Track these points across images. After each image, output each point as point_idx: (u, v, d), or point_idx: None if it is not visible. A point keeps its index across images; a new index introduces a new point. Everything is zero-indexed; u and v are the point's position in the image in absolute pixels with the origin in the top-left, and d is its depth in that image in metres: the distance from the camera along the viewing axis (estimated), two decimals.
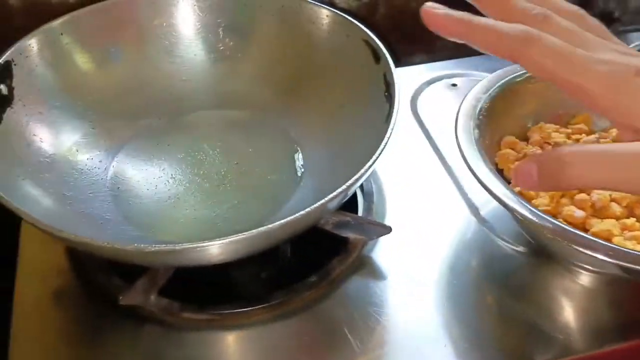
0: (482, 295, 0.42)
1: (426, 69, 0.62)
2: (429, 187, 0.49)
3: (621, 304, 0.41)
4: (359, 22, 0.47)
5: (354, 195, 0.48)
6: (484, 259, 0.44)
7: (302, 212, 0.34)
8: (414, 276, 0.43)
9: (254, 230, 0.33)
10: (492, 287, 0.42)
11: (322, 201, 0.34)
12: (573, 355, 0.39)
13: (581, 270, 0.42)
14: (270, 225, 0.33)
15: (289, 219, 0.33)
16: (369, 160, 0.36)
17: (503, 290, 0.42)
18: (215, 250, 0.33)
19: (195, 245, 0.32)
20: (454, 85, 0.59)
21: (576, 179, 0.25)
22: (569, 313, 0.41)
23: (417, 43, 0.67)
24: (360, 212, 0.47)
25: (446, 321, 0.40)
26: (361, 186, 0.48)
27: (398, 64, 0.66)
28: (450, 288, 0.42)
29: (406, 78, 0.60)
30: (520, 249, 0.44)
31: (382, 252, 0.44)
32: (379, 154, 0.37)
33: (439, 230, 0.46)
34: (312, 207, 0.34)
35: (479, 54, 0.73)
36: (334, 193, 0.35)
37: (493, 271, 0.43)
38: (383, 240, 0.45)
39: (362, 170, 0.36)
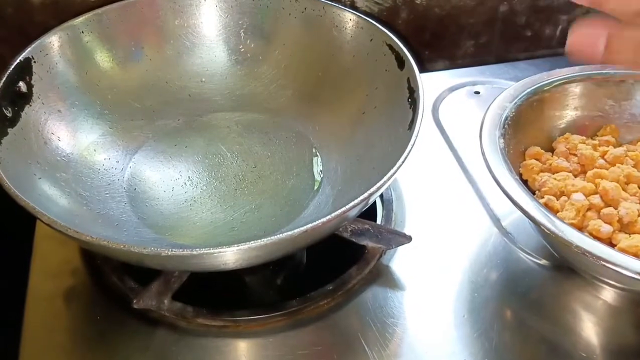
0: (502, 310, 0.41)
1: (448, 76, 0.61)
2: (450, 197, 0.48)
3: None
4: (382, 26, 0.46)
5: (373, 203, 0.47)
6: (505, 272, 0.43)
7: (323, 220, 0.33)
8: (432, 288, 0.42)
9: (273, 237, 0.32)
10: (512, 301, 0.41)
11: (344, 209, 0.33)
12: None
13: (606, 286, 0.41)
14: (290, 232, 0.32)
15: (309, 225, 0.32)
16: (391, 168, 0.35)
17: (524, 305, 0.41)
18: (232, 256, 0.32)
19: (212, 251, 0.31)
20: (477, 92, 0.57)
21: None
22: (591, 330, 0.40)
23: (438, 49, 0.67)
24: (379, 220, 0.46)
25: (465, 335, 0.39)
26: (381, 194, 0.47)
27: (420, 70, 0.66)
28: (469, 301, 0.41)
29: (428, 84, 0.58)
30: (543, 262, 0.43)
31: (401, 262, 0.43)
32: (402, 162, 0.36)
33: (459, 240, 0.45)
34: (333, 214, 0.33)
35: (502, 61, 0.71)
36: (356, 201, 0.34)
37: (514, 285, 0.42)
38: (402, 249, 0.44)
39: (385, 178, 0.35)
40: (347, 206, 0.33)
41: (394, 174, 0.35)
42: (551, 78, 0.45)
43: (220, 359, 0.38)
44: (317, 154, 0.47)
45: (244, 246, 0.31)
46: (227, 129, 0.49)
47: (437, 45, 0.66)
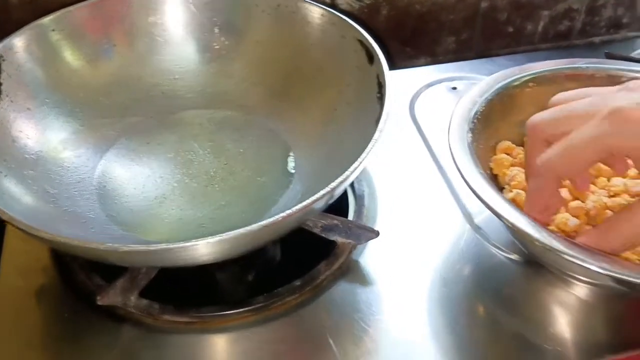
0: (474, 305, 0.41)
1: (427, 72, 0.61)
2: (423, 193, 0.48)
3: (617, 319, 0.40)
4: (358, 23, 0.46)
5: (346, 199, 0.47)
6: (477, 268, 0.43)
7: (283, 214, 0.33)
8: (403, 283, 0.42)
9: (233, 232, 0.32)
10: (484, 297, 0.41)
11: (304, 203, 0.33)
12: None
13: (575, 282, 0.41)
14: (250, 227, 0.32)
15: (269, 220, 0.32)
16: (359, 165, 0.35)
17: (496, 300, 0.41)
18: (192, 251, 0.32)
19: (171, 247, 0.31)
20: (454, 88, 0.57)
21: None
22: (562, 325, 0.39)
23: (420, 46, 0.67)
24: (350, 216, 0.46)
25: (435, 331, 0.39)
26: (353, 189, 0.47)
27: (400, 66, 0.66)
28: (440, 297, 0.41)
29: (406, 81, 0.59)
30: (515, 257, 0.43)
31: (372, 257, 0.43)
32: (365, 157, 0.36)
33: (431, 236, 0.45)
34: (294, 208, 0.33)
35: (481, 56, 0.72)
36: (317, 195, 0.34)
37: (486, 280, 0.42)
38: (373, 245, 0.44)
39: (347, 173, 0.35)
40: (307, 201, 0.33)
41: (355, 169, 0.35)
42: (523, 73, 0.45)
43: (187, 355, 0.38)
44: (289, 150, 0.47)
45: (201, 242, 0.31)
46: (199, 126, 0.49)
47: (418, 42, 0.66)
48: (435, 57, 0.68)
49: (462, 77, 0.58)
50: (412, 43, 0.66)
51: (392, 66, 0.63)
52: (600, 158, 0.33)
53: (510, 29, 0.67)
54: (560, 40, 0.70)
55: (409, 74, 0.61)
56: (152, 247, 0.31)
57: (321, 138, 0.46)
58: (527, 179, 0.38)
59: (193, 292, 0.42)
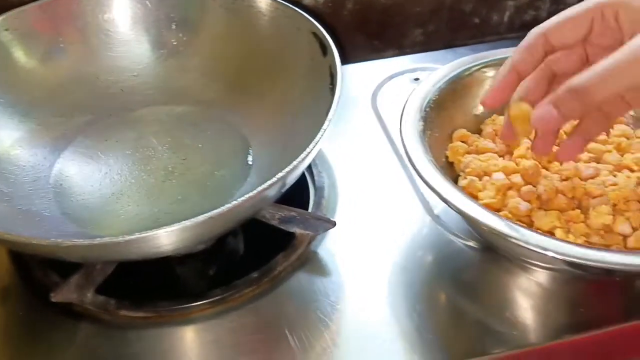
0: (434, 293, 0.41)
1: (390, 64, 0.61)
2: (384, 183, 0.48)
3: (574, 301, 0.40)
4: (322, 18, 0.46)
5: (307, 190, 0.47)
6: (438, 256, 0.43)
7: (228, 206, 0.33)
8: (363, 272, 0.42)
9: (172, 226, 0.32)
10: (444, 284, 0.41)
11: (251, 194, 0.34)
12: (523, 349, 0.38)
13: (532, 267, 0.41)
14: (196, 219, 0.32)
15: (213, 212, 0.32)
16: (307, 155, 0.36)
17: (456, 287, 0.41)
18: (136, 245, 0.32)
19: (114, 240, 0.31)
20: (417, 79, 0.58)
21: (598, 96, 0.31)
22: (520, 309, 0.40)
23: (386, 39, 0.67)
24: (310, 207, 0.46)
25: (396, 317, 0.39)
26: (313, 181, 0.47)
27: (367, 59, 0.66)
28: (400, 284, 0.41)
29: (370, 73, 0.59)
30: (474, 244, 0.43)
31: (331, 248, 0.43)
32: (313, 147, 0.36)
33: (391, 226, 0.45)
34: (236, 201, 0.33)
35: (444, 47, 0.72)
36: (263, 186, 0.34)
37: (446, 268, 0.42)
38: (333, 236, 0.44)
39: (295, 162, 0.35)
40: (251, 194, 0.33)
41: (302, 160, 0.35)
42: (476, 61, 0.46)
43: (146, 349, 0.38)
44: (248, 143, 0.47)
45: (139, 235, 0.30)
46: (158, 122, 0.49)
47: (385, 35, 0.66)
48: (402, 50, 0.68)
49: (424, 68, 0.59)
50: (379, 36, 0.66)
51: (359, 60, 0.64)
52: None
53: (477, 20, 0.67)
54: (526, 30, 0.68)
55: (373, 66, 0.61)
56: (86, 242, 0.31)
57: (278, 130, 0.46)
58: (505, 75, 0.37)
59: (157, 287, 0.42)
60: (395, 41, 0.67)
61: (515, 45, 0.46)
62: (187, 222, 0.32)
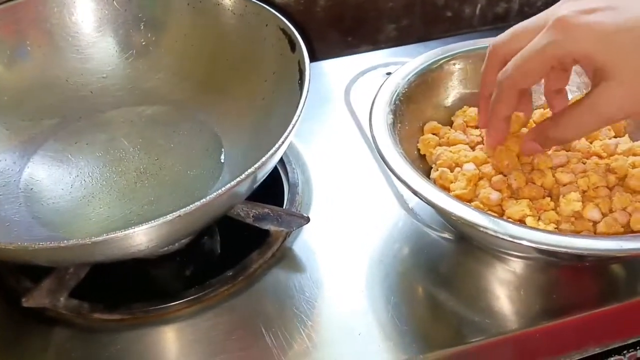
0: (411, 285, 0.41)
1: (363, 59, 0.61)
2: (358, 178, 0.48)
3: (549, 289, 0.40)
4: (295, 16, 0.46)
5: (281, 187, 0.47)
6: (413, 249, 0.43)
7: (197, 204, 0.33)
8: (338, 267, 0.42)
9: (145, 225, 0.31)
10: (420, 276, 0.41)
11: (220, 191, 0.33)
12: (499, 337, 0.38)
13: (503, 255, 0.41)
14: (164, 218, 0.32)
15: (181, 211, 0.32)
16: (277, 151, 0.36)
17: (432, 279, 0.41)
18: (105, 247, 0.32)
19: (81, 242, 0.31)
20: (389, 73, 0.57)
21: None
22: (496, 298, 0.40)
23: (360, 35, 0.67)
24: (285, 204, 0.46)
25: (373, 309, 0.39)
26: (287, 177, 0.47)
27: (342, 55, 0.66)
28: (375, 279, 0.41)
29: (343, 68, 0.59)
30: (448, 236, 0.43)
31: (307, 244, 0.43)
32: (282, 143, 0.36)
33: (367, 220, 0.45)
34: (205, 199, 0.33)
35: (416, 41, 0.72)
36: (232, 182, 0.34)
37: (422, 260, 0.42)
38: (308, 232, 0.44)
39: (264, 158, 0.35)
40: (215, 193, 0.33)
41: (271, 155, 0.35)
42: (445, 54, 0.46)
43: (119, 352, 0.38)
44: (220, 142, 0.47)
45: (106, 237, 0.30)
46: (130, 123, 0.49)
47: (359, 30, 0.67)
48: (377, 45, 0.68)
49: (397, 62, 0.59)
50: (353, 32, 0.66)
51: (334, 56, 0.64)
52: (551, 65, 0.35)
53: (449, 14, 0.68)
54: (498, 22, 0.70)
55: (346, 61, 0.61)
56: (53, 245, 0.30)
57: (250, 127, 0.46)
58: (481, 100, 0.41)
59: (134, 290, 0.41)
60: (369, 37, 0.67)
61: (488, 37, 0.47)
62: (155, 222, 0.32)
